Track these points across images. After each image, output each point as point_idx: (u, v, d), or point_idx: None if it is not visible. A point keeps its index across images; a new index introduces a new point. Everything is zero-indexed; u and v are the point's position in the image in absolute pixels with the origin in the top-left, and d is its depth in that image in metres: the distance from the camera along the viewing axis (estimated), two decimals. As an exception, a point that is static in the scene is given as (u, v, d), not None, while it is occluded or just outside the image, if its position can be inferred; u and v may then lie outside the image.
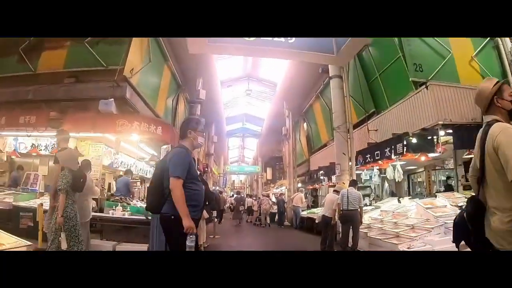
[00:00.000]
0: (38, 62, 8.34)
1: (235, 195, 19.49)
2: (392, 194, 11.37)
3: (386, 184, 12.43)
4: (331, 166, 12.51)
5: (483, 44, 9.02)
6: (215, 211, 9.79)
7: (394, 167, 9.49)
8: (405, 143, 7.05)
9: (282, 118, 19.08)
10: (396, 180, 10.08)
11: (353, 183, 7.44)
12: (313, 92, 16.05)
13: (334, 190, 8.16)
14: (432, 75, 8.54)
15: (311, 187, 16.59)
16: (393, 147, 7.23)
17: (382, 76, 9.91)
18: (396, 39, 8.68)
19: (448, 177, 10.10)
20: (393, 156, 7.32)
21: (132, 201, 7.39)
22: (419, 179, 12.84)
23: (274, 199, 26.09)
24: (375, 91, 10.34)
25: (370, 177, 11.45)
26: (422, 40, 8.67)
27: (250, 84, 20.26)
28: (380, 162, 8.23)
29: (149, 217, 4.41)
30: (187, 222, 2.86)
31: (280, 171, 34.41)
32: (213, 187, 27.72)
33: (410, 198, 8.69)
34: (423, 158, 7.24)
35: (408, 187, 12.56)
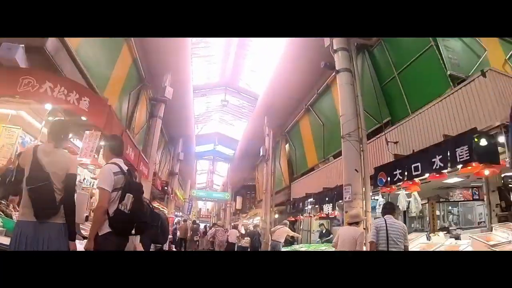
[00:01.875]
0: None
1: (190, 224, 16.43)
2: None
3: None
4: (325, 193, 9.90)
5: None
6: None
7: (408, 195, 7.26)
8: (466, 147, 4.51)
9: (259, 140, 16.57)
10: (413, 213, 7.72)
11: (390, 209, 4.81)
12: (301, 106, 13.73)
13: (349, 223, 5.47)
14: (472, 71, 6.42)
15: (292, 219, 13.81)
16: (449, 153, 4.67)
17: (402, 75, 7.69)
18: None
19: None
20: (449, 167, 4.73)
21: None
22: (412, 214, 10.92)
23: (242, 231, 23.36)
24: (391, 95, 8.07)
25: (373, 207, 8.94)
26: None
27: (227, 95, 17.71)
28: (416, 180, 5.64)
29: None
30: None
31: (251, 201, 31.48)
32: (174, 214, 24.27)
33: (446, 233, 6.25)
34: (487, 172, 4.68)
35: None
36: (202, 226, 21.08)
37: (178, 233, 15.49)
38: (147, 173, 9.75)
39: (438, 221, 8.66)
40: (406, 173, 5.66)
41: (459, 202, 8.37)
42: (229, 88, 17.54)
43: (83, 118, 4.92)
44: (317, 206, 10.35)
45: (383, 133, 7.67)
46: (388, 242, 4.34)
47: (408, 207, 7.56)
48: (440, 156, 4.83)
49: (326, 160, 12.00)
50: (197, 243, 16.60)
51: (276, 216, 15.28)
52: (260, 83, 15.04)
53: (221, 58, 15.85)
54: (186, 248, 15.06)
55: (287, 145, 16.60)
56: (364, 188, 6.83)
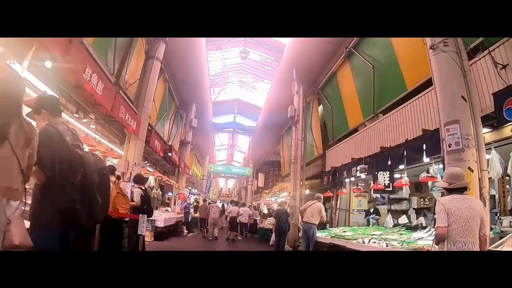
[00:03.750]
0: None
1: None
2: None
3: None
4: (385, 153, 7.00)
5: None
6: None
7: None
8: None
9: (285, 103, 13.66)
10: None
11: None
12: (339, 51, 10.67)
13: (450, 190, 2.71)
14: None
15: (330, 194, 11.00)
16: None
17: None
18: None
19: None
20: None
21: None
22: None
23: (265, 211, 20.89)
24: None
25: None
26: None
27: (246, 47, 14.75)
28: None
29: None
30: None
31: (274, 178, 28.92)
32: (188, 190, 22.05)
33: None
34: None
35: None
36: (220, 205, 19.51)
37: (198, 214, 14.57)
38: (135, 127, 7.17)
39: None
40: None
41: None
42: (250, 40, 14.56)
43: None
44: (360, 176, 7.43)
45: (487, 51, 4.65)
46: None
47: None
48: None
49: (375, 118, 9.06)
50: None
51: (307, 192, 12.48)
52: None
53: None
54: (206, 228, 14.22)
55: (320, 107, 13.61)
56: (474, 129, 3.92)
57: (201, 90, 15.74)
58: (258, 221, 16.14)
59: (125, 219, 5.10)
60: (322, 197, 8.57)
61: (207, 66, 14.63)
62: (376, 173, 7.43)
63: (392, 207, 10.01)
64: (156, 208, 14.21)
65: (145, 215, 5.51)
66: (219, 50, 14.97)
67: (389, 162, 6.51)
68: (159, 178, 12.73)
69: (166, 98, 13.17)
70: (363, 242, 6.05)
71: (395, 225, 8.14)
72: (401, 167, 6.45)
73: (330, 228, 9.86)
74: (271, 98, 16.65)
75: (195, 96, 15.73)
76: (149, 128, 8.78)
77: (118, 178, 5.07)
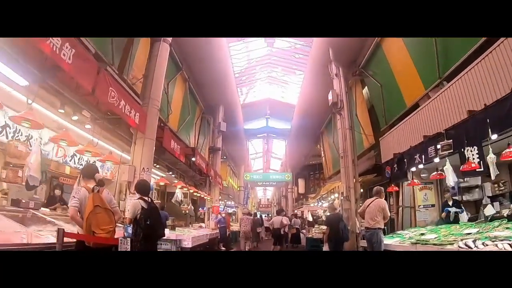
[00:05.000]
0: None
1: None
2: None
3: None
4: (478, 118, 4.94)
5: None
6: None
7: None
8: None
9: (321, 94, 11.78)
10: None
11: None
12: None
13: None
14: None
15: (396, 189, 8.84)
16: None
17: None
18: None
19: None
20: None
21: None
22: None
23: (310, 218, 19.04)
24: None
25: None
26: None
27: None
28: None
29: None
30: None
31: (315, 183, 26.75)
32: (224, 203, 20.56)
33: None
34: None
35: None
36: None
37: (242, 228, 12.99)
38: (137, 120, 5.62)
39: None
40: None
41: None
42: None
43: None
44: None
45: None
46: None
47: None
48: None
49: (440, 85, 7.06)
50: (260, 234, 15.75)
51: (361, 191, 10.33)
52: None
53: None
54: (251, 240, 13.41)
55: (364, 90, 11.56)
56: None
57: (227, 90, 14.21)
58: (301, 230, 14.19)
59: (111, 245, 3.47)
60: (383, 191, 6.54)
61: (230, 61, 13.11)
62: (462, 149, 5.35)
63: (463, 198, 8.07)
64: (190, 225, 12.75)
65: (128, 239, 3.85)
66: (241, 42, 13.38)
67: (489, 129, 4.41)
68: (188, 190, 11.21)
69: (187, 100, 11.74)
70: (469, 247, 4.05)
71: (489, 217, 6.07)
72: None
73: (399, 232, 7.75)
74: (305, 91, 14.78)
75: (221, 97, 14.21)
76: (162, 125, 7.23)
77: (100, 184, 3.45)
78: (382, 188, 6.52)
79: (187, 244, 7.29)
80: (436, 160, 6.18)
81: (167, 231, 7.26)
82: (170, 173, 10.71)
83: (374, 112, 10.77)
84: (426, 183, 9.04)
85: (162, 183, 10.32)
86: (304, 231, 15.08)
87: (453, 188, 8.66)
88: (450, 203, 7.52)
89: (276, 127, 23.39)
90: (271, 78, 17.73)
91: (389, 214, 6.35)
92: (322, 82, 12.19)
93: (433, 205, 9.07)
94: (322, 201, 15.33)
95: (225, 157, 23.75)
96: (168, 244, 6.91)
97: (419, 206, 9.09)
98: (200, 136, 14.17)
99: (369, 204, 6.21)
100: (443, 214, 7.46)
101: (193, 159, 8.96)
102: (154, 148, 6.52)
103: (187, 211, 14.39)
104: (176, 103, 10.88)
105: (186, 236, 7.41)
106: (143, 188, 4.38)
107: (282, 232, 11.84)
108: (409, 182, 8.33)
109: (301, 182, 27.44)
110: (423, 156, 6.23)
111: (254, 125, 23.13)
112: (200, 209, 15.76)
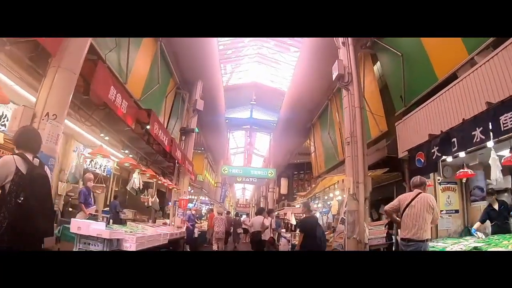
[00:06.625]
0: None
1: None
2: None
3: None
4: None
5: None
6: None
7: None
8: None
9: (318, 76, 9.54)
10: None
11: None
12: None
13: None
14: None
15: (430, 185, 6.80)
16: None
17: None
18: None
19: None
20: None
21: None
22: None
23: (293, 221, 17.12)
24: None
25: None
26: None
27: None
28: None
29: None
30: None
31: (299, 183, 24.72)
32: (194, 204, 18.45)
33: None
34: None
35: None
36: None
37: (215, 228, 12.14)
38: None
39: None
40: None
41: None
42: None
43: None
44: None
45: None
46: None
47: None
48: None
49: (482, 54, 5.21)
50: (240, 235, 15.72)
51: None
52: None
53: None
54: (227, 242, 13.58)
55: (375, 67, 9.49)
56: None
57: (207, 62, 11.87)
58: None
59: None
60: (426, 183, 4.43)
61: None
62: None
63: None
64: (154, 221, 10.37)
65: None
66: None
67: None
68: (143, 173, 8.74)
69: (157, 65, 9.34)
70: None
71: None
72: None
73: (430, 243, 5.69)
74: (299, 73, 12.62)
75: (200, 71, 11.85)
76: (95, 58, 4.68)
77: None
78: (424, 178, 4.40)
79: (130, 247, 4.94)
80: None
81: (100, 224, 4.92)
82: (127, 152, 8.25)
83: (387, 92, 8.71)
84: (449, 183, 7.14)
85: (127, 164, 7.80)
86: (287, 235, 12.83)
87: (481, 189, 6.86)
88: (496, 206, 5.71)
89: (261, 119, 21.20)
90: (260, 56, 15.45)
91: (438, 217, 4.26)
92: (322, 59, 10.09)
93: (457, 211, 7.18)
94: (316, 200, 13.13)
95: (202, 148, 21.37)
96: (99, 245, 4.58)
97: (441, 211, 7.13)
98: (173, 115, 11.77)
99: (410, 202, 4.07)
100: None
101: (148, 126, 6.32)
102: (81, 94, 4.12)
103: (150, 204, 11.96)
104: (141, 64, 8.50)
105: (128, 237, 5.03)
106: (26, 139, 2.29)
107: (262, 237, 9.41)
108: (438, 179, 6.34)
109: (283, 182, 25.30)
110: (490, 131, 4.05)
111: (237, 114, 20.85)
112: (168, 204, 13.38)
